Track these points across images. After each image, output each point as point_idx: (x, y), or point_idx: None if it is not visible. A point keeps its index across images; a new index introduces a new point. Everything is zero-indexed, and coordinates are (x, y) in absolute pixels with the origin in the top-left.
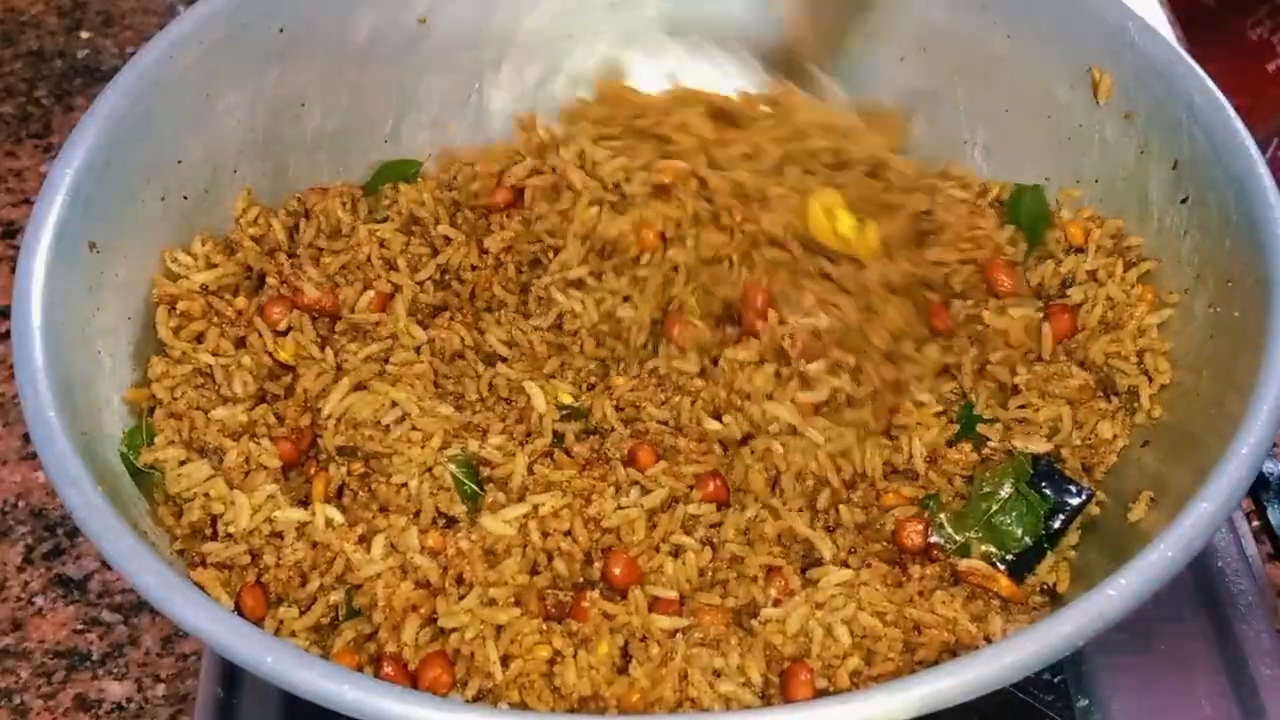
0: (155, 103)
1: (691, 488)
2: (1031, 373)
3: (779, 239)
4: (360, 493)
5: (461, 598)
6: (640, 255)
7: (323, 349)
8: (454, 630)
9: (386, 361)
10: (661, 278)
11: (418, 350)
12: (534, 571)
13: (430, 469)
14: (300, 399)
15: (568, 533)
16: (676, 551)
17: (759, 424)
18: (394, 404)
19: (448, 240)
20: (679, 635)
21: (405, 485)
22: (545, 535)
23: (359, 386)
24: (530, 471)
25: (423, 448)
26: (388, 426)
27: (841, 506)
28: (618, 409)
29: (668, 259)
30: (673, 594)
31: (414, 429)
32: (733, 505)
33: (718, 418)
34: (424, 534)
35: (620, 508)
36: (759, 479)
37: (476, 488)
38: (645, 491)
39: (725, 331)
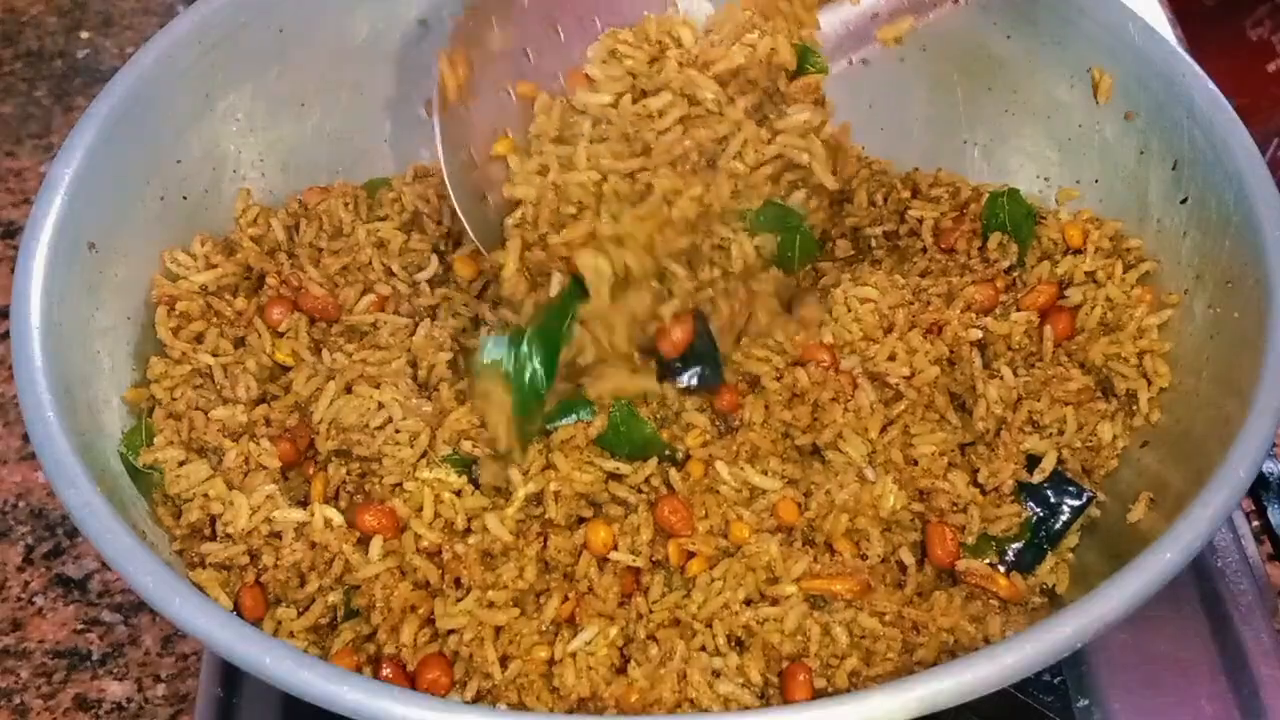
0: (155, 103)
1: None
2: (1031, 375)
3: None
4: (357, 495)
5: (459, 600)
6: None
7: (318, 352)
8: (452, 631)
9: (366, 363)
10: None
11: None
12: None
13: (419, 469)
14: (290, 402)
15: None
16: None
17: None
18: (380, 406)
19: (448, 235)
20: (678, 636)
21: (399, 485)
22: (543, 537)
23: (347, 389)
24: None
25: (411, 447)
26: (376, 429)
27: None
28: None
29: None
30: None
31: (398, 430)
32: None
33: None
34: (420, 536)
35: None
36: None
37: (473, 487)
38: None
39: None
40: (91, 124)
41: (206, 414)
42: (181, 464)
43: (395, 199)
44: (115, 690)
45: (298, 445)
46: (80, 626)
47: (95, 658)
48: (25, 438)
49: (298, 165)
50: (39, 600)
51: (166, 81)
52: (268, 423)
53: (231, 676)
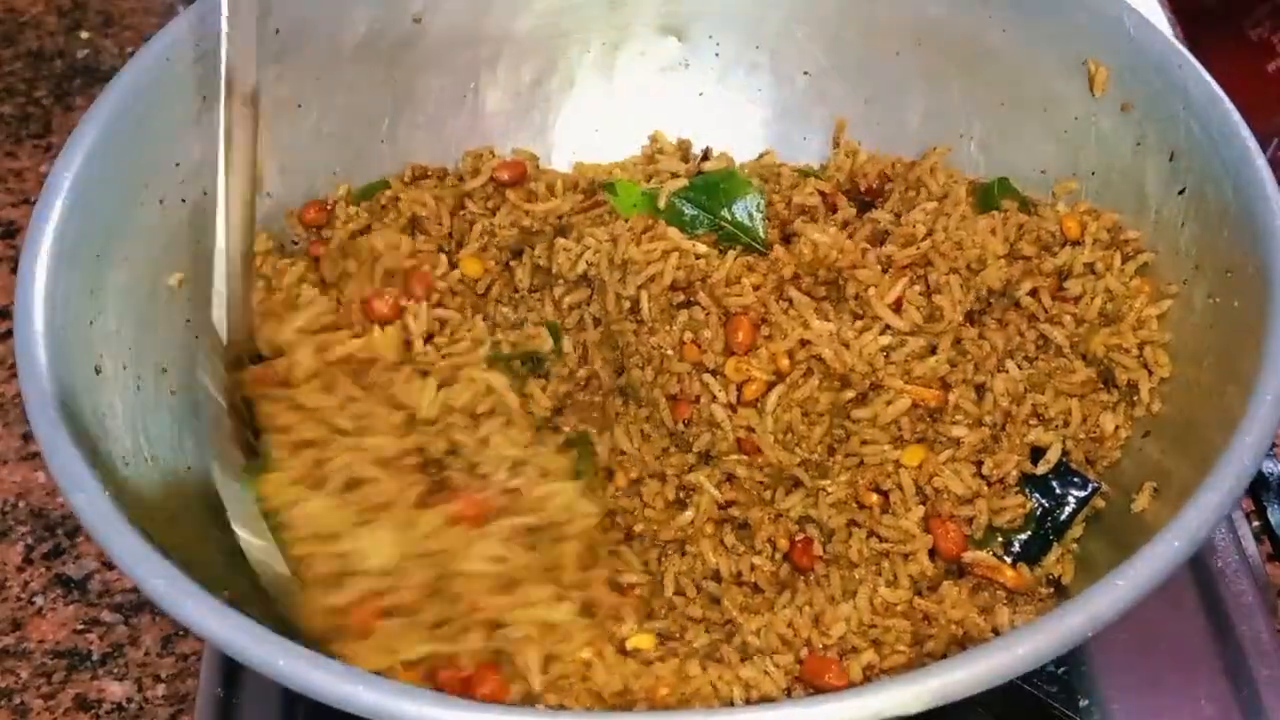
0: (154, 105)
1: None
2: (1034, 368)
3: None
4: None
5: None
6: None
7: None
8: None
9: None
10: None
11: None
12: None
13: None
14: None
15: None
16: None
17: None
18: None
19: (450, 236)
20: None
21: None
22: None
23: None
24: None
25: None
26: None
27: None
28: None
29: None
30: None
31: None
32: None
33: None
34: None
35: None
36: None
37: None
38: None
39: None
40: (91, 127)
41: None
42: None
43: (394, 204)
44: (115, 690)
45: None
46: (80, 626)
47: (95, 658)
48: (25, 437)
49: (295, 166)
50: (39, 600)
51: (166, 83)
52: None
53: (231, 676)
